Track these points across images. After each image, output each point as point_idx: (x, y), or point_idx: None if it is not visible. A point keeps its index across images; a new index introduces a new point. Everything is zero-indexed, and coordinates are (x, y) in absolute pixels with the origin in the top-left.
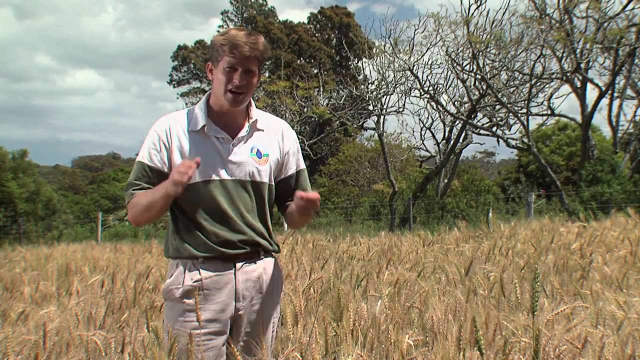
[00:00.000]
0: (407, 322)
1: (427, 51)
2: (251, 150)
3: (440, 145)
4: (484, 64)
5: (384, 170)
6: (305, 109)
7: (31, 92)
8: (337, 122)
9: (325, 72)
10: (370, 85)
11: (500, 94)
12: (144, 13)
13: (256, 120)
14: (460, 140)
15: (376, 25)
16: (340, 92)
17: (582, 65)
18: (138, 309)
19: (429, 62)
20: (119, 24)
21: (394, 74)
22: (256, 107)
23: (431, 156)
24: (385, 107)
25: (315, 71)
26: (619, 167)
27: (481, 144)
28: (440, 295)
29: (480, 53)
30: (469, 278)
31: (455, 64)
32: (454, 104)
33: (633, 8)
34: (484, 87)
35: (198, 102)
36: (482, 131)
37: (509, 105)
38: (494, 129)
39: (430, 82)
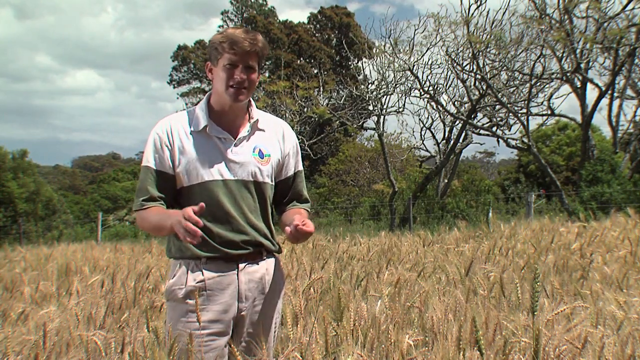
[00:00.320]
0: (407, 322)
1: (427, 51)
2: (253, 150)
3: (440, 145)
4: (484, 64)
5: (384, 170)
6: (305, 109)
7: (31, 92)
8: (337, 122)
9: (325, 72)
10: (370, 85)
11: (500, 94)
12: (143, 13)
13: (257, 120)
14: (460, 140)
15: (376, 25)
16: (340, 92)
17: (582, 65)
18: (138, 309)
19: (429, 62)
20: (118, 24)
21: (394, 74)
22: (256, 107)
23: (431, 156)
24: (385, 107)
25: (315, 71)
26: (619, 167)
27: (481, 144)
28: (440, 295)
29: (480, 53)
30: (469, 278)
31: (455, 64)
32: (454, 104)
33: (633, 8)
34: (484, 87)
35: (198, 102)
36: (482, 131)
37: (509, 105)
38: (494, 129)
39: (430, 82)
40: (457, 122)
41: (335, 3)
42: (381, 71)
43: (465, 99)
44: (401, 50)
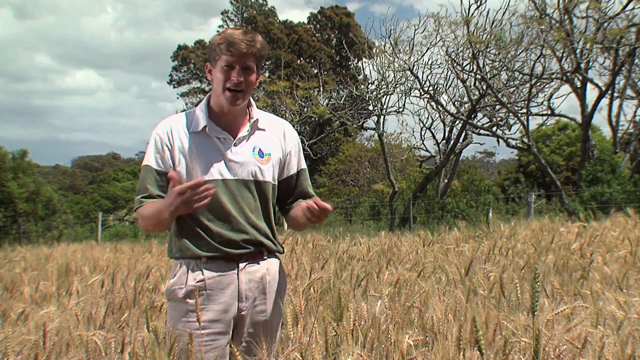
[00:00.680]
0: (407, 322)
1: (427, 51)
2: (253, 150)
3: (440, 145)
4: (484, 64)
5: (384, 170)
6: (305, 109)
7: (31, 92)
8: (337, 122)
9: (325, 72)
10: (370, 85)
11: (500, 94)
12: (143, 13)
13: (257, 119)
14: (460, 140)
15: (376, 25)
16: (340, 92)
17: (582, 65)
18: (138, 309)
19: (429, 62)
20: (118, 24)
21: (394, 74)
22: (256, 107)
23: (431, 156)
24: (385, 107)
25: (315, 71)
26: (619, 167)
27: (481, 144)
28: (440, 295)
29: (480, 53)
30: (469, 278)
31: (455, 64)
32: (454, 104)
33: (633, 8)
34: (484, 87)
35: (198, 101)
36: (482, 131)
37: (509, 105)
38: (494, 129)
39: (430, 82)
40: (457, 122)
41: (335, 3)
42: (381, 71)
43: (465, 99)
44: (401, 50)
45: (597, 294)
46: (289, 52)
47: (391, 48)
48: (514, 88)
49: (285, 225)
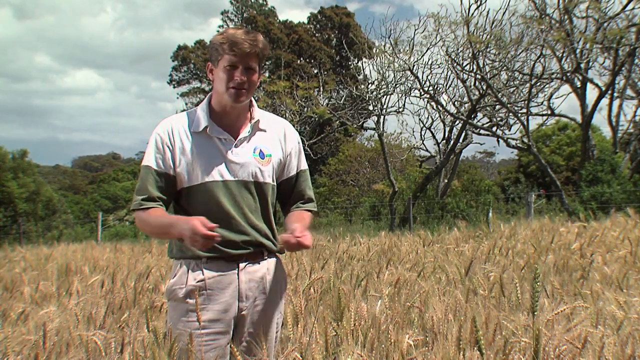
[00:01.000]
0: (407, 322)
1: (427, 51)
2: (254, 151)
3: (440, 145)
4: (484, 64)
5: (384, 170)
6: (305, 109)
7: (31, 92)
8: (337, 122)
9: (325, 72)
10: (370, 85)
11: (500, 94)
12: (143, 13)
13: (258, 120)
14: (460, 140)
15: (376, 25)
16: (340, 92)
17: (582, 65)
18: (138, 309)
19: (429, 62)
20: (118, 23)
21: (394, 74)
22: (257, 106)
23: (431, 156)
24: (385, 107)
25: (315, 71)
26: (619, 167)
27: (481, 144)
28: (440, 295)
29: (480, 53)
30: (469, 278)
31: (455, 64)
32: (454, 104)
33: (633, 8)
34: (484, 87)
35: (198, 101)
36: (482, 131)
37: (509, 105)
38: (494, 129)
39: (430, 82)
40: (457, 122)
41: (335, 3)
42: (381, 71)
43: (465, 99)
44: (401, 50)
45: (597, 294)
46: (289, 52)
47: (391, 48)
48: (514, 88)
49: None
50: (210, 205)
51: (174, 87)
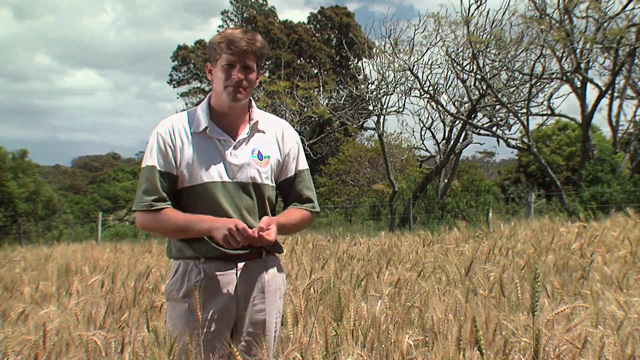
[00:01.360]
0: (407, 322)
1: (427, 51)
2: (252, 152)
3: (440, 145)
4: (484, 64)
5: (384, 170)
6: (305, 109)
7: (31, 92)
8: (337, 122)
9: (325, 72)
10: (370, 85)
11: (500, 94)
12: (142, 13)
13: (257, 121)
14: (460, 140)
15: (376, 25)
16: (340, 92)
17: (582, 65)
18: (138, 309)
19: (429, 62)
20: (117, 23)
21: (394, 74)
22: (257, 107)
23: (431, 156)
24: (385, 107)
25: (315, 71)
26: (619, 167)
27: (481, 144)
28: (440, 295)
29: (480, 53)
30: (469, 278)
31: (455, 64)
32: (454, 104)
33: (633, 8)
34: (484, 87)
35: (198, 101)
36: (482, 131)
37: (509, 105)
38: (494, 129)
39: (430, 82)
40: (457, 122)
41: (335, 3)
42: (381, 71)
43: (465, 99)
44: (401, 50)
45: (597, 294)
46: (289, 52)
47: (391, 48)
48: (514, 88)
49: None
50: (210, 206)
51: (174, 87)
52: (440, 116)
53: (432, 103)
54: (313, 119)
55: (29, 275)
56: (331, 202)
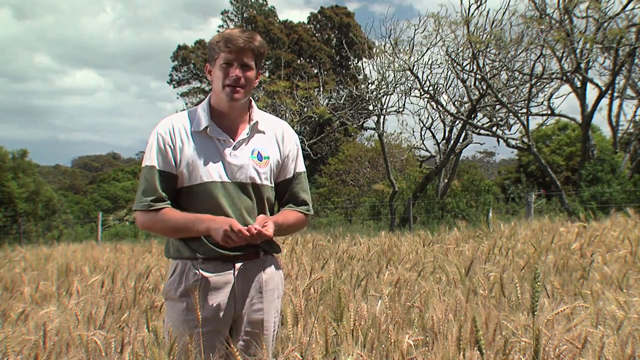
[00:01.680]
0: (407, 322)
1: (427, 51)
2: (252, 153)
3: (440, 145)
4: (484, 64)
5: (384, 170)
6: (305, 109)
7: (30, 92)
8: (337, 122)
9: (325, 72)
10: (370, 85)
11: (500, 94)
12: (142, 13)
13: (257, 122)
14: (460, 140)
15: (376, 25)
16: (340, 92)
17: (582, 65)
18: (138, 309)
19: (429, 62)
20: (117, 23)
21: (394, 74)
22: (257, 107)
23: (431, 156)
24: (385, 107)
25: (315, 71)
26: (619, 167)
27: (481, 144)
28: (441, 295)
29: (480, 53)
30: (469, 278)
31: (455, 64)
32: (454, 104)
33: (633, 8)
34: (484, 87)
35: (198, 101)
36: (482, 131)
37: (509, 105)
38: (494, 129)
39: (430, 82)
40: (457, 122)
41: (335, 3)
42: (381, 71)
43: (465, 99)
44: (401, 50)
45: (597, 294)
46: (289, 52)
47: (391, 48)
48: (514, 88)
49: None
50: (209, 206)
51: (174, 87)
52: (440, 116)
53: (432, 103)
54: (313, 119)
55: (29, 275)
56: (331, 202)
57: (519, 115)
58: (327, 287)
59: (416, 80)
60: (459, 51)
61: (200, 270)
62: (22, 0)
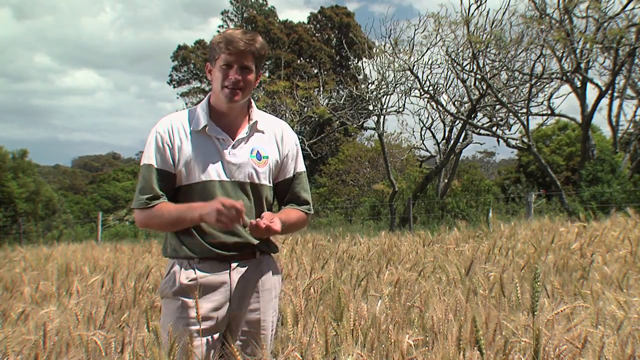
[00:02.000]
0: (407, 322)
1: (427, 51)
2: (251, 152)
3: (440, 145)
4: (484, 64)
5: (384, 170)
6: (305, 109)
7: (30, 92)
8: (337, 122)
9: (325, 72)
10: (370, 85)
11: (500, 94)
12: (142, 13)
13: (256, 121)
14: (460, 140)
15: (376, 25)
16: (340, 92)
17: (582, 65)
18: (138, 309)
19: (429, 62)
20: (117, 23)
21: (394, 74)
22: (256, 107)
23: (431, 156)
24: (385, 107)
25: (315, 71)
26: (619, 167)
27: (481, 144)
28: (441, 295)
29: (480, 53)
30: (469, 278)
31: (455, 64)
32: (454, 104)
33: (633, 8)
34: (484, 87)
35: (198, 102)
36: (482, 131)
37: (509, 105)
38: (494, 129)
39: (430, 82)
40: (457, 122)
41: (335, 3)
42: (381, 71)
43: (465, 99)
44: (401, 50)
45: (597, 294)
46: (289, 52)
47: (391, 48)
48: (514, 88)
49: None
50: None
51: (174, 87)
52: (440, 116)
53: (432, 103)
54: (313, 119)
55: (29, 275)
56: (331, 202)
57: (519, 115)
58: (327, 287)
59: (416, 80)
60: (459, 51)
61: (196, 269)
62: (22, 0)
